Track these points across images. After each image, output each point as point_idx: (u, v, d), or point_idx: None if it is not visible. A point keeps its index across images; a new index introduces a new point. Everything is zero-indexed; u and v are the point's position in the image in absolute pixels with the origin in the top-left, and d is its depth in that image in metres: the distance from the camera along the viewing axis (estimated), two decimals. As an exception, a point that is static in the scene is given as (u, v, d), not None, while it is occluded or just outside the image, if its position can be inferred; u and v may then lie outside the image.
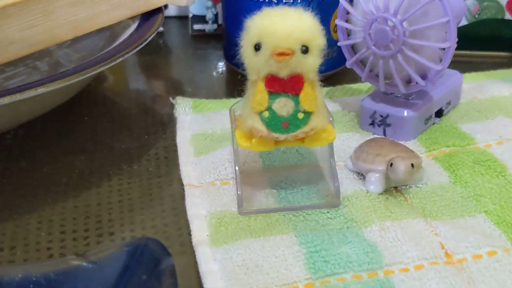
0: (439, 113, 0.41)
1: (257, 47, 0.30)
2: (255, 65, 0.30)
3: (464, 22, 0.51)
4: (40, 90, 0.34)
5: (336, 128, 0.41)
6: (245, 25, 0.30)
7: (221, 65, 0.55)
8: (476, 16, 0.51)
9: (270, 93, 0.30)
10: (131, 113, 0.48)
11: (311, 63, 0.30)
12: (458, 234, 0.31)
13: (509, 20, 0.49)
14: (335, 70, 0.49)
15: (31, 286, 0.25)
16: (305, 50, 0.29)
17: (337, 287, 0.29)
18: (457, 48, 0.51)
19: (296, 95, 0.30)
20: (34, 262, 0.32)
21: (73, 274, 0.26)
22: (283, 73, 0.30)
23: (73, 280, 0.26)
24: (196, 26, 0.59)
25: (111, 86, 0.53)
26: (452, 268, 0.30)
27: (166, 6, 0.56)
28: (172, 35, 0.62)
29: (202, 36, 0.60)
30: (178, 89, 0.52)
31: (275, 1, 0.44)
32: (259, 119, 0.31)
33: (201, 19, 0.59)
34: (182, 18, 0.62)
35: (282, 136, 0.31)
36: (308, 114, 0.31)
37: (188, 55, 0.59)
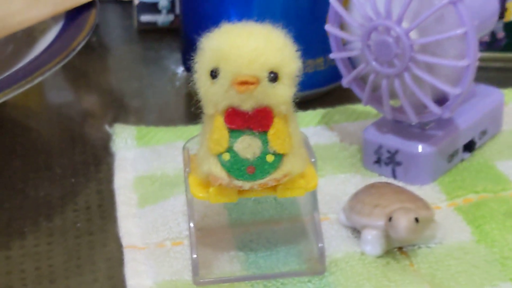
0: (469, 147, 0.51)
1: (214, 74, 0.38)
2: (212, 96, 0.38)
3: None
4: None
5: (331, 167, 0.50)
6: (198, 45, 0.39)
7: (179, 73, 0.63)
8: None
9: (231, 130, 0.39)
10: (52, 144, 0.56)
11: (282, 94, 0.38)
12: (473, 309, 0.40)
13: None
14: (335, 84, 0.58)
15: None
16: (274, 77, 0.38)
17: None
18: (505, 49, 0.61)
19: (264, 132, 0.39)
20: None
21: None
22: (247, 106, 0.38)
23: None
24: (145, 17, 0.68)
25: (21, 103, 0.60)
26: None
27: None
28: (110, 29, 0.70)
29: (152, 32, 0.68)
30: (118, 109, 0.60)
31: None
32: (217, 163, 0.39)
33: (152, 7, 0.67)
34: (124, 4, 0.71)
35: (247, 185, 0.40)
36: (279, 156, 0.39)
37: (133, 59, 0.67)
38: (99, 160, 0.53)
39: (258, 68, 0.38)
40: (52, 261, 0.45)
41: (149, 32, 0.69)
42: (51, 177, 0.52)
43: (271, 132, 0.39)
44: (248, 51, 0.38)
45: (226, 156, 0.39)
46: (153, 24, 0.68)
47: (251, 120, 0.39)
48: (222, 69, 0.38)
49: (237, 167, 0.39)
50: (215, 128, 0.39)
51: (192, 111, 0.57)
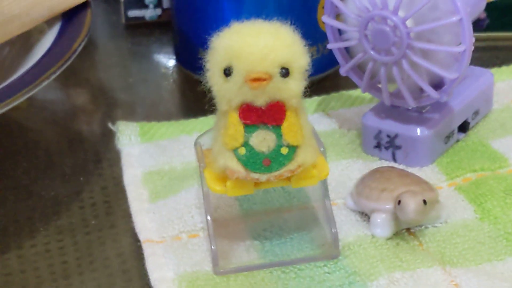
0: (463, 127, 0.53)
1: (227, 72, 0.40)
2: (226, 93, 0.41)
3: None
4: None
5: (333, 153, 0.52)
6: (210, 44, 0.41)
7: (171, 68, 0.65)
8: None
9: (246, 125, 0.41)
10: (51, 143, 0.57)
11: (293, 88, 0.40)
12: (483, 284, 0.42)
13: None
14: (328, 71, 0.61)
15: None
16: (285, 73, 0.40)
17: None
18: (493, 29, 0.64)
19: (278, 126, 0.41)
20: None
21: None
22: (261, 101, 0.40)
23: None
24: (132, 13, 0.69)
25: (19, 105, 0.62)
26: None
27: None
28: (98, 25, 0.71)
29: (140, 26, 0.69)
30: (111, 106, 0.61)
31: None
32: (233, 157, 0.42)
33: (138, 2, 0.69)
34: (110, 0, 0.72)
35: (263, 177, 0.42)
36: (293, 148, 0.41)
37: (123, 55, 0.68)
38: (99, 157, 0.55)
39: (269, 64, 0.40)
40: (64, 258, 0.47)
41: (137, 27, 0.70)
42: (56, 176, 0.53)
43: (284, 125, 0.41)
44: (259, 49, 0.40)
45: (242, 151, 0.41)
46: (141, 19, 0.70)
47: (265, 115, 0.41)
48: (235, 67, 0.40)
49: (253, 160, 0.41)
50: (230, 124, 0.41)
51: (186, 104, 0.61)
